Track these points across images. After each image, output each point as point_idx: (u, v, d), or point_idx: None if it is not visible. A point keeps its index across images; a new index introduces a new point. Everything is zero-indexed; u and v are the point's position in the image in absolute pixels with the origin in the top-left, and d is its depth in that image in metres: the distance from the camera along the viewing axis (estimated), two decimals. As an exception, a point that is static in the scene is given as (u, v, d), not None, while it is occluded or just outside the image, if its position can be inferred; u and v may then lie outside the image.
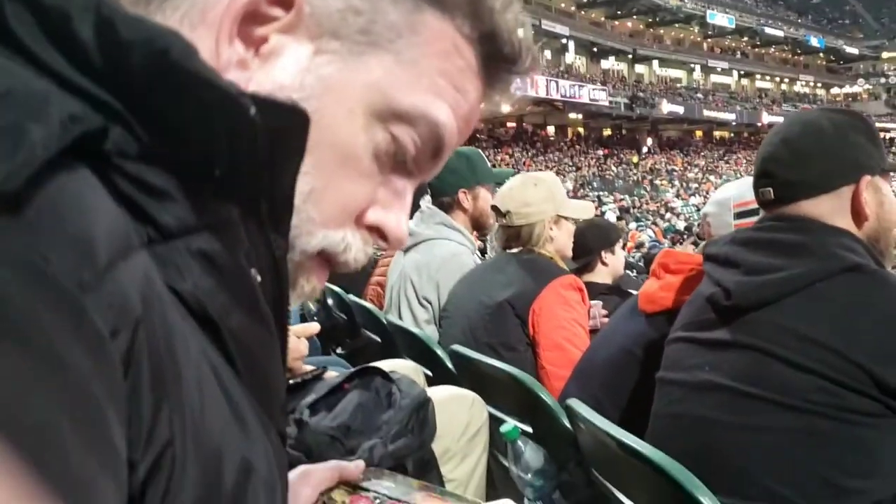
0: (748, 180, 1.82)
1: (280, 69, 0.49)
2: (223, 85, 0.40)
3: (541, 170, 28.45)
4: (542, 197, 2.38)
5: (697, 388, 1.38)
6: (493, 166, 3.71)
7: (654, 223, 22.51)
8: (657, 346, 1.65)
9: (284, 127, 0.44)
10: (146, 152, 0.37)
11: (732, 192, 1.90)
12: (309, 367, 1.68)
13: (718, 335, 1.36)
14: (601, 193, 27.96)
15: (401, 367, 1.83)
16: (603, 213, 22.13)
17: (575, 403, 1.45)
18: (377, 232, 0.56)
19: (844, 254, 1.27)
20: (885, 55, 63.39)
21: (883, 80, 62.95)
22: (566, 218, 2.43)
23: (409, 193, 0.57)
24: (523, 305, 2.23)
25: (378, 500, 0.90)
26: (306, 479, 0.88)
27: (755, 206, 1.58)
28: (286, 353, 0.53)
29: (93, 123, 0.34)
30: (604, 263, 3.29)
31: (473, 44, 0.53)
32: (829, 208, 1.36)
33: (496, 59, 0.55)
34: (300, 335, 1.69)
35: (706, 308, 1.42)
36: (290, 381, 1.60)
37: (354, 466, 0.93)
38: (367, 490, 0.92)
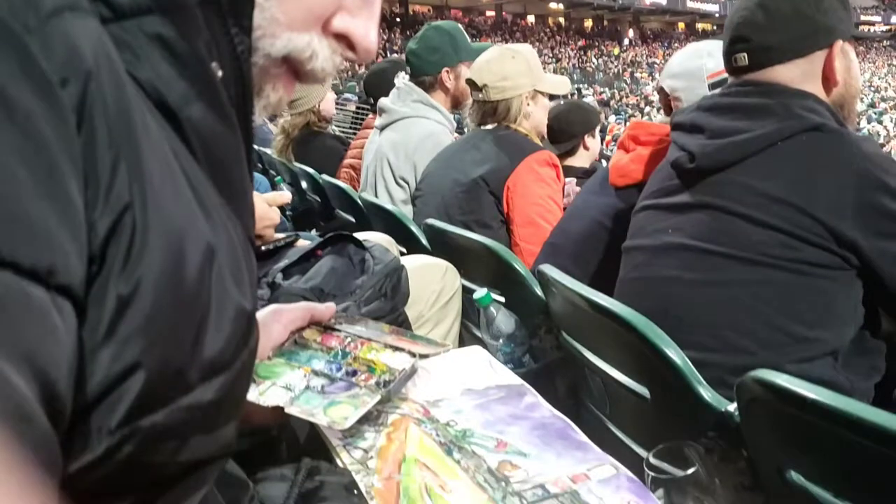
0: (716, 46, 1.79)
1: None
2: None
3: (520, 61, 27.88)
4: (520, 70, 2.33)
5: (661, 250, 1.41)
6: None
7: (633, 116, 22.37)
8: (627, 218, 1.66)
9: None
10: None
11: (705, 62, 1.86)
12: (281, 235, 1.67)
13: (682, 199, 1.40)
14: (581, 86, 27.61)
15: (374, 238, 1.82)
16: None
17: (547, 268, 1.46)
18: (345, 41, 0.55)
19: (807, 114, 1.28)
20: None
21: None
22: (542, 93, 2.39)
23: (377, 2, 0.55)
24: (497, 182, 2.22)
25: (349, 339, 0.91)
26: (277, 317, 0.89)
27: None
28: (251, 160, 0.52)
29: None
30: (585, 147, 3.28)
31: None
32: (801, 73, 1.36)
33: None
34: (272, 203, 1.67)
35: (671, 175, 1.44)
36: (262, 248, 1.59)
37: (325, 308, 0.94)
38: (338, 331, 0.93)
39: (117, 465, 0.36)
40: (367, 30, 0.55)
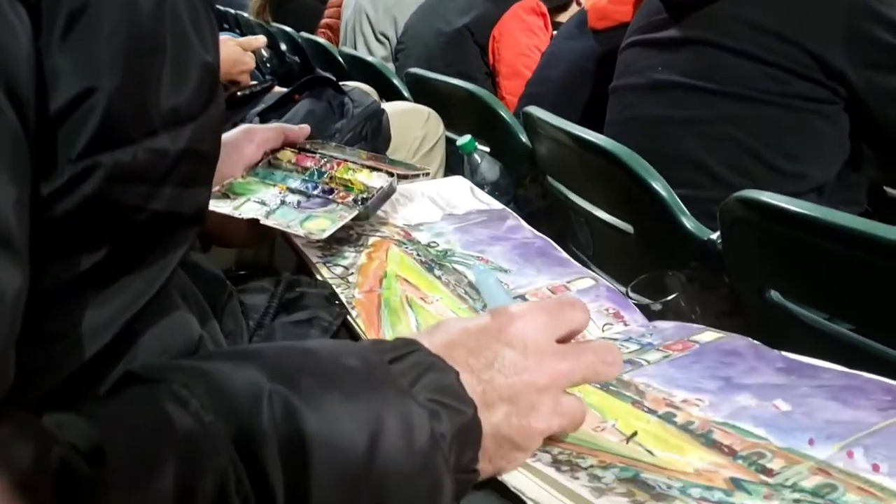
0: None
1: None
2: None
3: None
4: None
5: (650, 88, 1.38)
6: None
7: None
8: (609, 60, 1.62)
9: None
10: None
11: None
12: (255, 81, 1.61)
13: (671, 34, 1.35)
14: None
15: (355, 86, 1.76)
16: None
17: (533, 109, 1.42)
18: None
19: None
20: None
21: None
22: None
23: None
24: (483, 30, 2.14)
25: (325, 160, 0.89)
26: (249, 136, 0.86)
27: None
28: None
29: None
30: (578, 3, 3.16)
31: None
32: None
33: None
34: (246, 47, 1.60)
35: (658, 8, 1.39)
36: (238, 94, 1.54)
37: (299, 129, 0.91)
38: (313, 153, 0.90)
39: (86, 200, 0.35)
40: None
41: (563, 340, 0.48)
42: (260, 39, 1.65)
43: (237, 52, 1.54)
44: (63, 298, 0.37)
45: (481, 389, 0.43)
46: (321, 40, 2.78)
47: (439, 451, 0.39)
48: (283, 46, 3.35)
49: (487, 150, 1.73)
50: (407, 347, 0.43)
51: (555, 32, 2.46)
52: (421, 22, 2.31)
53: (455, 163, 1.77)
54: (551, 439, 0.48)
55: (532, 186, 1.66)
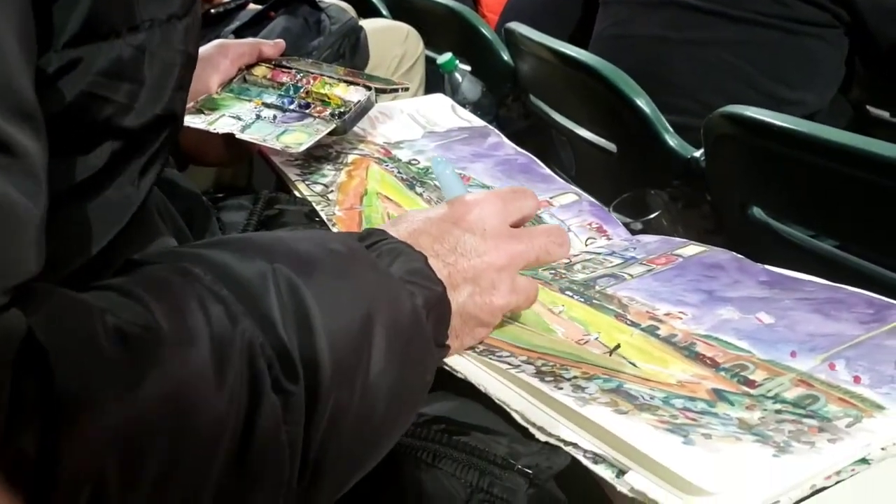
0: None
1: None
2: None
3: None
4: None
5: (646, 4, 1.33)
6: None
7: None
8: None
9: None
10: None
11: None
12: (230, -2, 1.55)
13: None
14: None
15: (331, 2, 1.71)
16: None
17: (515, 25, 1.38)
18: None
19: None
20: None
21: None
22: None
23: None
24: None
25: (301, 75, 0.86)
26: (223, 51, 0.84)
27: None
28: None
29: None
30: None
31: None
32: None
33: None
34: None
35: None
36: (212, 11, 1.49)
37: (273, 44, 0.88)
38: (289, 68, 0.88)
39: (72, 100, 0.35)
40: None
41: (516, 225, 0.53)
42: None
43: (209, -35, 1.48)
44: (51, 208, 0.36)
45: (447, 272, 0.46)
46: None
47: (421, 323, 0.41)
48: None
49: (468, 68, 1.69)
50: (378, 236, 0.45)
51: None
52: (399, -65, 2.23)
53: (435, 82, 1.73)
54: (534, 352, 0.48)
55: (514, 106, 1.63)
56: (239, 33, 1.41)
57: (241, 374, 0.32)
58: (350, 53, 1.38)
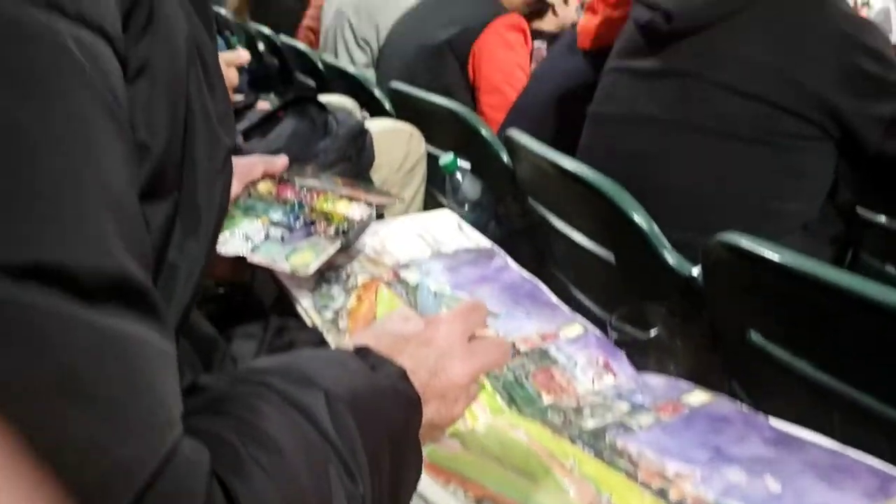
0: None
1: None
2: None
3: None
4: None
5: (632, 121, 1.37)
6: None
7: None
8: (596, 83, 1.62)
9: None
10: None
11: None
12: (240, 97, 1.60)
13: (654, 64, 1.33)
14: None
15: (337, 101, 1.76)
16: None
17: (514, 133, 1.43)
18: None
19: None
20: None
21: None
22: None
23: None
24: (463, 46, 2.14)
25: (304, 191, 0.89)
26: (232, 170, 0.86)
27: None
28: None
29: None
30: (554, 13, 3.17)
31: None
32: None
33: None
34: (230, 63, 1.58)
35: (640, 36, 1.37)
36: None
37: (278, 160, 0.93)
38: (292, 183, 0.91)
39: None
40: None
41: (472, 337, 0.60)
42: (243, 55, 1.63)
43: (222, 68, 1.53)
44: None
45: (422, 391, 0.52)
46: (301, 46, 2.76)
47: (411, 437, 0.50)
48: (262, 46, 3.33)
49: (468, 165, 1.73)
50: (375, 359, 0.52)
51: (536, 43, 2.47)
52: (402, 33, 2.31)
53: (435, 174, 1.77)
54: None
55: (513, 204, 1.67)
56: (248, 134, 1.45)
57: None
58: (356, 157, 1.42)
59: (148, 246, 0.35)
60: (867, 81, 1.18)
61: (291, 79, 3.02)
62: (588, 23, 1.83)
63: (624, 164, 1.37)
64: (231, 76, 1.60)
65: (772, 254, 0.84)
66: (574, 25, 2.20)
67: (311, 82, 2.74)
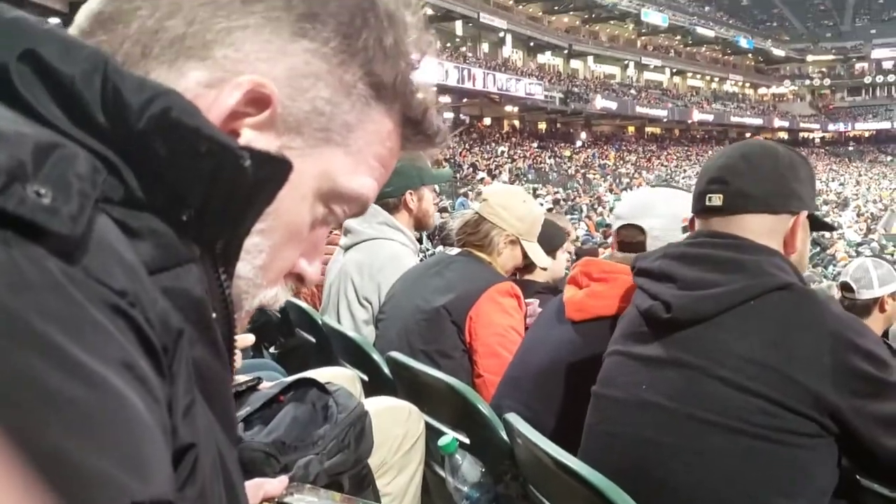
0: (686, 195, 1.85)
1: None
2: (222, 137, 0.46)
3: (476, 161, 28.56)
4: (522, 215, 2.43)
5: (635, 406, 1.37)
6: (427, 158, 3.67)
7: (588, 216, 22.90)
8: (587, 353, 1.66)
9: (268, 177, 0.50)
10: (129, 197, 0.42)
11: (683, 207, 1.93)
12: (243, 378, 1.63)
13: (655, 352, 1.37)
14: (536, 186, 28.20)
15: (338, 375, 1.80)
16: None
17: (512, 418, 1.45)
18: (296, 277, 0.63)
19: (777, 272, 1.30)
20: (810, 58, 65.64)
21: (808, 81, 65.17)
22: (520, 244, 2.46)
23: (325, 238, 0.65)
24: (460, 312, 2.23)
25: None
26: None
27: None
28: (231, 385, 0.57)
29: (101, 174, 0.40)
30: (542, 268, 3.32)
31: (402, 126, 0.63)
32: (768, 229, 1.38)
33: (417, 135, 0.65)
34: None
35: (641, 322, 1.42)
36: (224, 393, 1.56)
37: (278, 482, 0.94)
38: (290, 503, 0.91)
39: None
40: (316, 269, 0.64)
41: None
42: (248, 338, 1.70)
43: (225, 352, 1.58)
44: None
45: None
46: (303, 304, 2.87)
47: None
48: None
49: (468, 440, 1.74)
50: None
51: (528, 302, 2.55)
52: (402, 295, 2.41)
53: (435, 450, 1.77)
54: None
55: (513, 484, 1.65)
56: (249, 420, 1.47)
57: None
58: (356, 444, 1.42)
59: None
60: (862, 381, 1.21)
61: (292, 331, 3.10)
62: (573, 296, 1.90)
63: (628, 451, 1.37)
64: (234, 360, 1.66)
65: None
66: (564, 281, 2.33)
67: (312, 338, 2.81)
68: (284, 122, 0.56)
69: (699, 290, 1.31)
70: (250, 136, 0.54)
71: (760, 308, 1.27)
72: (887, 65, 61.51)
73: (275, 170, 0.50)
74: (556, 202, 25.11)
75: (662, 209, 1.93)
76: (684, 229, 1.87)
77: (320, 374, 1.69)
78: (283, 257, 0.59)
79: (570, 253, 4.61)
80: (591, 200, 28.51)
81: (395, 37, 0.59)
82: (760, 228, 1.38)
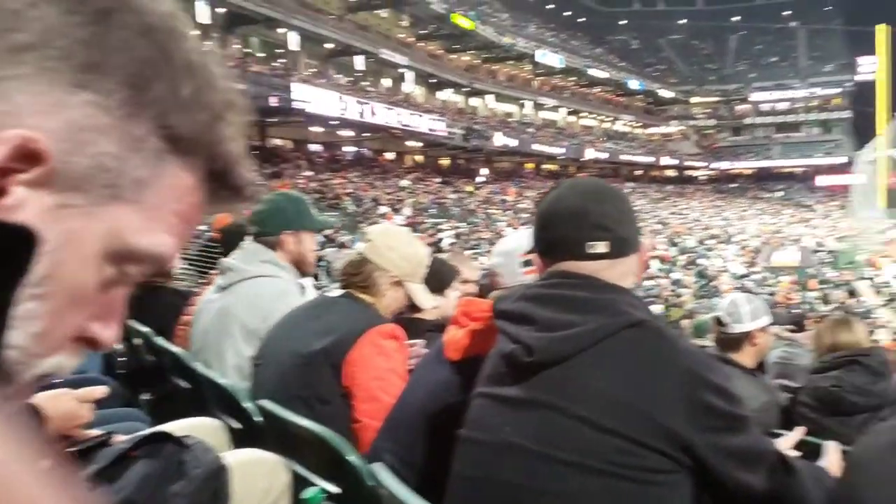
0: (526, 231, 1.90)
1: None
2: None
3: (378, 195, 28.54)
4: (407, 255, 2.38)
5: (500, 449, 1.37)
6: (328, 191, 3.59)
7: (490, 251, 23.24)
8: (463, 395, 1.64)
9: (9, 248, 0.47)
10: None
11: (519, 243, 1.98)
12: (93, 433, 1.53)
13: (518, 393, 1.37)
14: (438, 221, 28.38)
15: (199, 426, 1.72)
16: (440, 241, 22.60)
17: (378, 467, 1.41)
18: (88, 341, 0.57)
19: (631, 310, 1.33)
20: (694, 100, 69.13)
21: (693, 122, 68.52)
22: (404, 287, 2.44)
23: (123, 300, 0.59)
24: (338, 355, 2.18)
25: None
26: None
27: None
28: None
29: None
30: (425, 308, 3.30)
31: (206, 180, 0.59)
32: (625, 270, 1.43)
33: (224, 189, 0.61)
34: (83, 400, 1.54)
35: (504, 364, 1.42)
36: (70, 450, 1.46)
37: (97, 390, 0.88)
38: None
39: None
40: (112, 333, 0.58)
41: None
42: (98, 391, 1.60)
43: (73, 406, 1.49)
44: None
45: None
46: (177, 350, 2.75)
47: None
48: (138, 342, 3.28)
49: (340, 490, 1.68)
50: None
51: (414, 344, 2.53)
52: (278, 340, 2.34)
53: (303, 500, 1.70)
54: None
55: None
56: (97, 478, 1.37)
57: None
58: (211, 501, 1.35)
59: None
60: (714, 416, 1.25)
61: (166, 377, 2.96)
62: (454, 336, 1.89)
63: (493, 493, 1.35)
64: (83, 413, 1.55)
65: None
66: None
67: (186, 384, 2.69)
68: (64, 178, 0.52)
69: (557, 332, 1.32)
70: (22, 195, 0.50)
71: (615, 346, 1.29)
72: (764, 107, 65.52)
73: (14, 240, 0.47)
74: (458, 236, 25.36)
75: (500, 247, 1.99)
76: (526, 263, 1.92)
77: (180, 425, 1.61)
78: (66, 323, 0.55)
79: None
80: (492, 235, 28.91)
81: (195, 87, 0.56)
82: (620, 270, 1.41)
